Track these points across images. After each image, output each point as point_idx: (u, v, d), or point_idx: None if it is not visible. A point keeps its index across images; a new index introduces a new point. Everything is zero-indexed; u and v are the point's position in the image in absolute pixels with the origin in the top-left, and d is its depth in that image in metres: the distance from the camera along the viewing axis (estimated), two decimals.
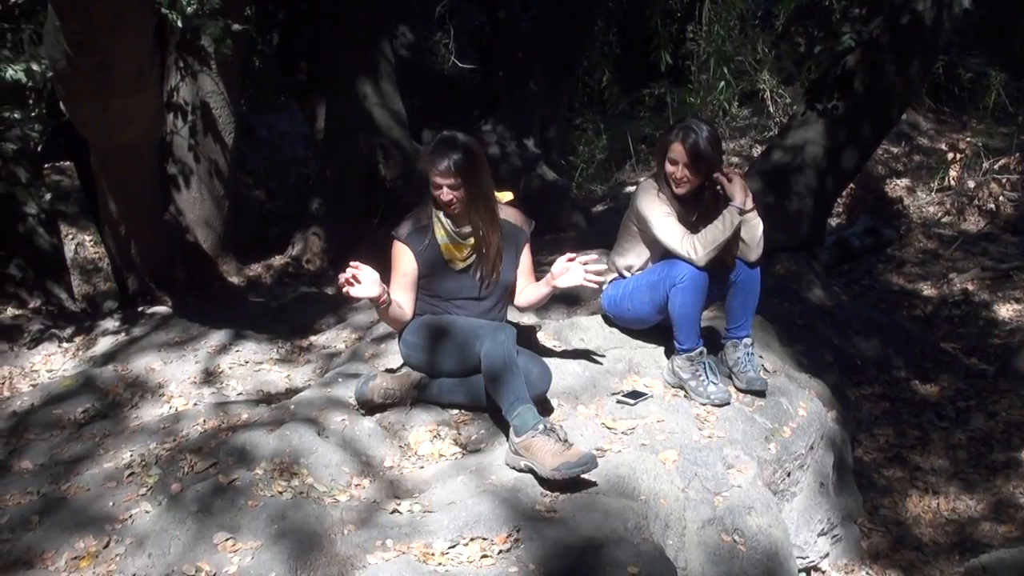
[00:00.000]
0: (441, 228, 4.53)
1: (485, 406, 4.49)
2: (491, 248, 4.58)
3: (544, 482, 3.93)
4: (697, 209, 4.91)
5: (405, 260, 4.55)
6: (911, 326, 8.42)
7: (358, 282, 4.21)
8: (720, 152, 4.82)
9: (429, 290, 4.61)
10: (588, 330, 5.41)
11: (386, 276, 4.44)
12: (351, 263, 4.24)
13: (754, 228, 4.84)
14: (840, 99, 8.32)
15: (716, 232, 4.70)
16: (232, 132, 8.17)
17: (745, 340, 4.98)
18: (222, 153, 8.12)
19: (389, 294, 4.39)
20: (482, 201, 4.47)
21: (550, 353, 5.09)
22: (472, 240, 4.56)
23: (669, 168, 4.82)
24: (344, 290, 4.22)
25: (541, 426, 3.99)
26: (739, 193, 4.79)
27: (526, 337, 5.29)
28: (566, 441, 4.00)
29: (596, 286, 4.63)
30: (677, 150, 4.76)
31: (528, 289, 4.80)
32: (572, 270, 4.55)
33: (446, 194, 4.38)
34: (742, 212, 4.77)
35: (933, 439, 6.54)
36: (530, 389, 4.23)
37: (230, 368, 5.74)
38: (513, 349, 4.20)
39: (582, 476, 3.89)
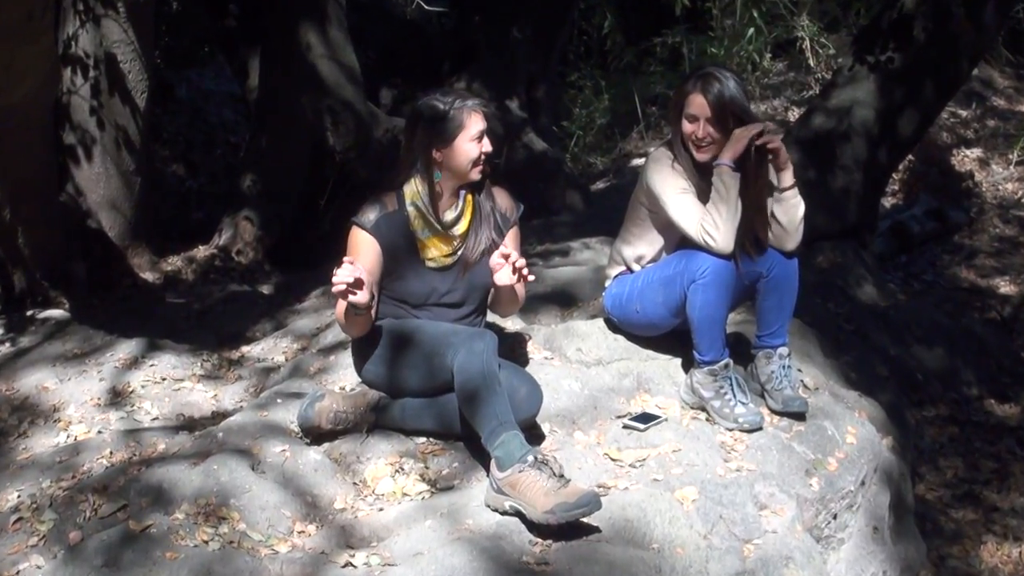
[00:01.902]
0: (420, 217, 4.53)
1: (459, 433, 4.48)
2: (480, 243, 4.63)
3: (534, 527, 3.92)
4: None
5: (369, 254, 4.51)
6: (985, 332, 8.46)
7: (360, 288, 4.16)
8: (747, 103, 4.79)
9: (393, 292, 4.60)
10: (587, 338, 5.41)
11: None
12: (345, 259, 4.15)
13: (793, 209, 4.82)
14: (896, 50, 8.35)
15: (719, 197, 4.67)
16: (144, 92, 8.14)
17: (781, 350, 4.98)
18: (132, 118, 8.09)
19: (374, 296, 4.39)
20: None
21: (540, 367, 5.09)
22: (461, 230, 4.59)
23: (687, 127, 4.78)
24: (348, 299, 4.17)
25: (531, 458, 3.97)
26: (781, 159, 4.77)
27: (510, 347, 5.29)
28: (562, 476, 3.97)
29: (519, 282, 4.48)
30: (697, 103, 4.71)
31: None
32: (503, 268, 4.41)
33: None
34: (780, 190, 4.77)
35: (1014, 472, 6.57)
36: (516, 411, 4.21)
37: (143, 387, 5.71)
38: (494, 361, 4.19)
39: (582, 520, 3.88)
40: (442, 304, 4.63)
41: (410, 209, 4.53)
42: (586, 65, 15.68)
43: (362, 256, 4.47)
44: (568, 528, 3.88)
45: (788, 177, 4.80)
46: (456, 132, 4.44)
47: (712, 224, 4.66)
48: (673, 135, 4.89)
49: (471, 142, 4.46)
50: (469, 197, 4.61)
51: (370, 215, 4.52)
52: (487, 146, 4.49)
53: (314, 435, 4.58)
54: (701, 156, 4.79)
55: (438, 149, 4.47)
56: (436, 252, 4.56)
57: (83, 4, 7.82)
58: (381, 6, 12.87)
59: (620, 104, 14.40)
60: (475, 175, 4.53)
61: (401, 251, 4.54)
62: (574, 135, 14.18)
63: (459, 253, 4.60)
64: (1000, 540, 5.98)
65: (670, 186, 4.84)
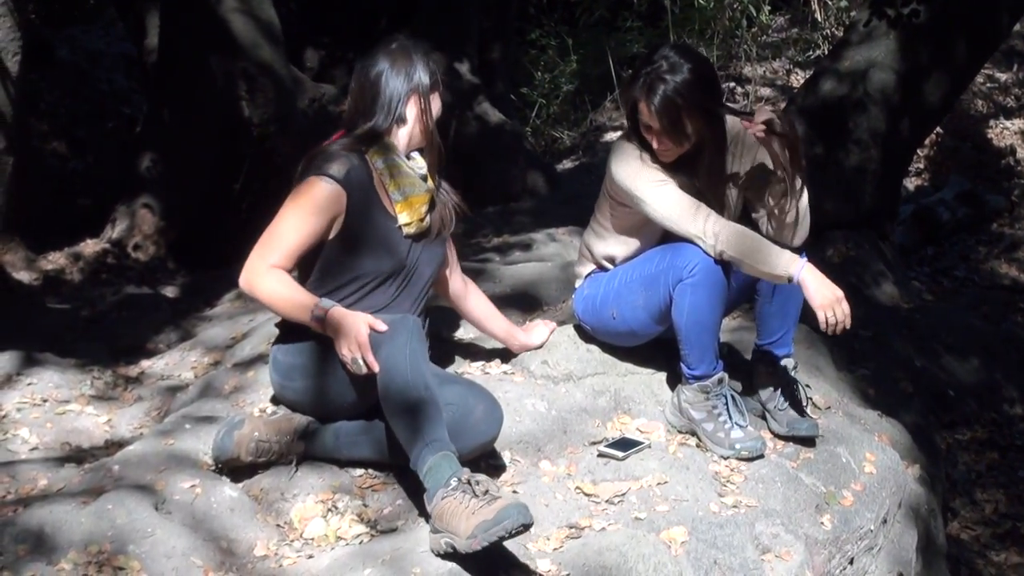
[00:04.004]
0: (395, 174, 4.58)
1: (403, 462, 4.44)
2: (447, 202, 4.83)
3: (480, 570, 3.91)
4: (702, 167, 4.91)
5: (327, 214, 4.49)
6: None
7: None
8: (713, 94, 4.80)
9: (341, 271, 4.59)
10: (554, 348, 5.43)
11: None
12: (374, 327, 4.19)
13: (801, 204, 4.87)
14: (921, 1, 8.40)
15: (753, 252, 4.67)
16: (17, 53, 8.09)
17: (785, 362, 5.02)
18: (3, 85, 8.05)
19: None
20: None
21: (499, 383, 5.11)
22: (431, 185, 4.72)
23: (645, 134, 4.84)
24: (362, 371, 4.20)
25: (454, 480, 3.94)
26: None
27: (463, 359, 5.31)
28: (487, 493, 3.92)
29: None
30: (646, 113, 4.74)
31: (479, 297, 5.16)
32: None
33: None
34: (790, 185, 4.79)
35: None
36: (471, 435, 4.27)
37: (18, 410, 5.68)
38: (421, 355, 4.19)
39: (512, 535, 3.82)
40: (408, 280, 4.68)
41: (380, 166, 4.56)
42: (550, 21, 15.74)
43: (319, 215, 4.46)
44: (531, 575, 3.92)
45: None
46: (439, 81, 4.60)
47: (726, 237, 4.65)
48: (632, 132, 4.92)
49: (439, 97, 4.63)
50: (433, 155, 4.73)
51: (337, 166, 4.50)
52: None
53: (231, 468, 4.56)
54: (664, 160, 4.84)
55: (425, 94, 4.58)
56: (411, 216, 4.60)
57: None
58: None
59: (590, 67, 14.46)
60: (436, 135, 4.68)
61: (369, 214, 4.55)
62: (536, 104, 14.24)
63: (430, 217, 4.69)
64: None
65: (644, 179, 4.83)
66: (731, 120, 4.89)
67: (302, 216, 4.44)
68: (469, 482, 3.94)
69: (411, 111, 4.57)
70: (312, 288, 4.55)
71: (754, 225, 4.89)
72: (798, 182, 4.77)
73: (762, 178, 4.90)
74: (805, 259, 4.64)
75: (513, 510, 3.78)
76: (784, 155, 4.67)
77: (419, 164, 4.66)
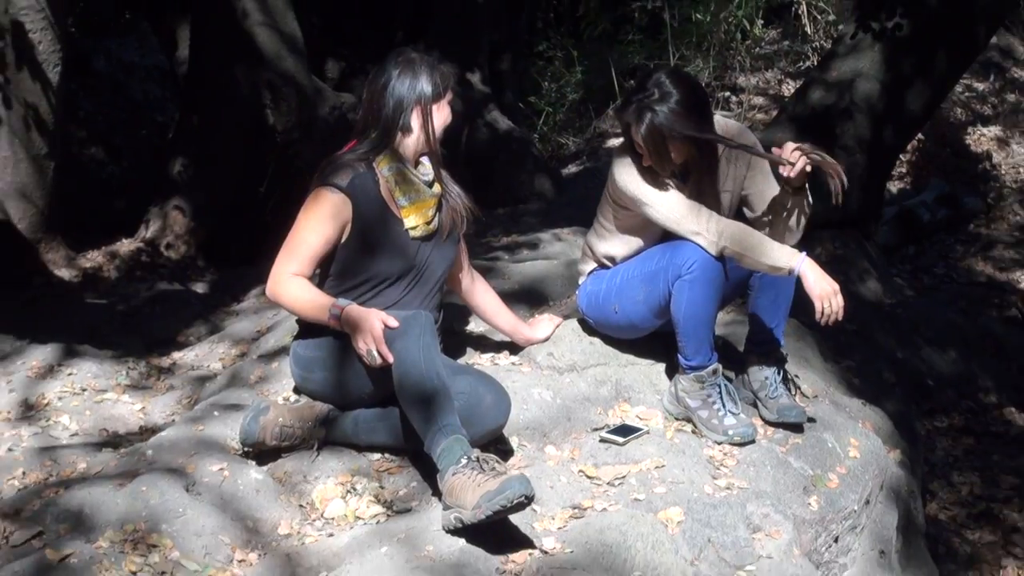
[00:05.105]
0: (400, 181, 4.59)
1: (418, 447, 4.44)
2: (455, 205, 4.79)
3: (490, 547, 3.91)
4: (693, 183, 4.92)
5: (336, 221, 4.53)
6: (1004, 332, 8.52)
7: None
8: (701, 122, 4.74)
9: (355, 271, 4.61)
10: (559, 341, 5.43)
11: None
12: (386, 323, 4.23)
13: (802, 207, 4.89)
14: (904, 15, 8.40)
15: (755, 247, 4.67)
16: (58, 65, 8.11)
17: (776, 354, 5.02)
18: (44, 94, 8.06)
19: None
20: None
21: (507, 373, 5.11)
22: (438, 190, 4.71)
23: (637, 150, 4.84)
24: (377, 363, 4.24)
25: (464, 459, 3.97)
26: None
27: (473, 351, 5.31)
28: (494, 470, 3.96)
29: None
30: (634, 135, 4.77)
31: (487, 292, 5.15)
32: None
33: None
34: (790, 188, 4.78)
35: None
36: (481, 422, 4.27)
37: (59, 398, 5.70)
38: (434, 348, 4.22)
39: (514, 506, 3.83)
40: (417, 281, 4.68)
41: (386, 173, 4.57)
42: (556, 34, 15.71)
43: (329, 222, 4.50)
44: (537, 553, 3.91)
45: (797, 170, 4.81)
46: (447, 88, 4.60)
47: (729, 235, 4.67)
48: (628, 147, 4.93)
49: (448, 105, 4.63)
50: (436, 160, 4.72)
51: (343, 176, 4.53)
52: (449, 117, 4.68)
53: (258, 452, 4.57)
54: (662, 175, 4.84)
55: (428, 104, 4.57)
56: (417, 220, 4.60)
57: None
58: None
59: (594, 77, 14.42)
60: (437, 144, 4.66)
61: (377, 219, 4.57)
62: (543, 112, 14.20)
63: (437, 219, 4.69)
64: (1021, 564, 6.03)
65: (646, 185, 4.84)
66: (722, 126, 4.89)
67: (313, 225, 4.50)
68: (479, 459, 3.97)
69: (415, 120, 4.56)
70: (329, 287, 4.60)
71: (749, 224, 4.89)
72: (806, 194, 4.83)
73: (761, 183, 4.94)
74: (805, 253, 4.66)
75: (515, 482, 3.80)
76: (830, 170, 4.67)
77: (426, 170, 4.67)
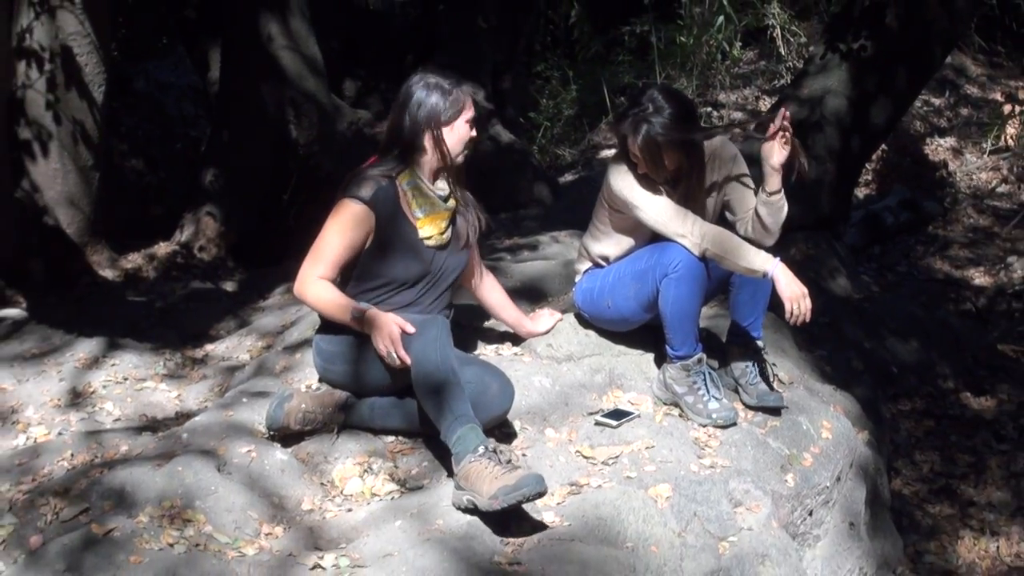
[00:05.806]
0: (417, 195, 4.60)
1: (429, 431, 4.45)
2: (470, 219, 4.80)
3: (494, 522, 3.94)
4: (684, 186, 4.92)
5: (360, 230, 4.54)
6: (960, 324, 8.50)
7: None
8: (691, 130, 4.79)
9: (375, 275, 4.61)
10: (558, 333, 5.42)
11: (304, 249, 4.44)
12: (403, 328, 4.27)
13: (779, 212, 4.88)
14: (869, 38, 8.38)
15: (733, 250, 4.68)
16: (102, 85, 8.09)
17: (755, 344, 5.02)
18: (90, 112, 8.05)
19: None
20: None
21: (510, 363, 5.10)
22: (452, 204, 4.71)
23: (633, 159, 4.86)
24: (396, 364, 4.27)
25: (481, 448, 4.00)
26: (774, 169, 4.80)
27: (479, 342, 5.30)
28: (509, 463, 4.04)
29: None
30: (631, 146, 4.80)
31: (495, 289, 5.17)
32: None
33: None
34: (769, 193, 4.80)
35: (990, 466, 6.61)
36: (487, 408, 4.28)
37: (104, 387, 5.70)
38: (449, 348, 4.22)
39: (529, 499, 3.88)
40: (431, 286, 4.68)
41: (405, 187, 4.57)
42: (553, 55, 15.69)
43: (353, 231, 4.51)
44: (532, 525, 3.93)
45: (776, 181, 4.82)
46: (460, 111, 4.56)
47: (711, 239, 4.68)
48: (623, 156, 4.92)
49: (466, 124, 4.58)
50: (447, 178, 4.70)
51: (365, 189, 4.53)
52: (474, 132, 4.64)
53: (282, 435, 4.58)
54: (658, 181, 4.86)
55: (438, 127, 4.54)
56: (432, 231, 4.60)
57: None
58: None
59: (588, 94, 14.40)
60: (460, 159, 4.65)
61: (396, 228, 4.57)
62: (541, 126, 14.17)
63: (450, 230, 4.69)
64: (977, 535, 6.02)
65: (638, 190, 4.87)
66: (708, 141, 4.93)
67: (338, 233, 4.51)
68: (495, 451, 4.03)
69: (428, 142, 4.56)
70: (351, 289, 4.61)
71: (732, 228, 4.91)
72: (782, 198, 4.86)
73: (741, 190, 4.96)
74: (779, 258, 4.65)
75: (531, 479, 3.85)
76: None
77: (441, 186, 4.66)
